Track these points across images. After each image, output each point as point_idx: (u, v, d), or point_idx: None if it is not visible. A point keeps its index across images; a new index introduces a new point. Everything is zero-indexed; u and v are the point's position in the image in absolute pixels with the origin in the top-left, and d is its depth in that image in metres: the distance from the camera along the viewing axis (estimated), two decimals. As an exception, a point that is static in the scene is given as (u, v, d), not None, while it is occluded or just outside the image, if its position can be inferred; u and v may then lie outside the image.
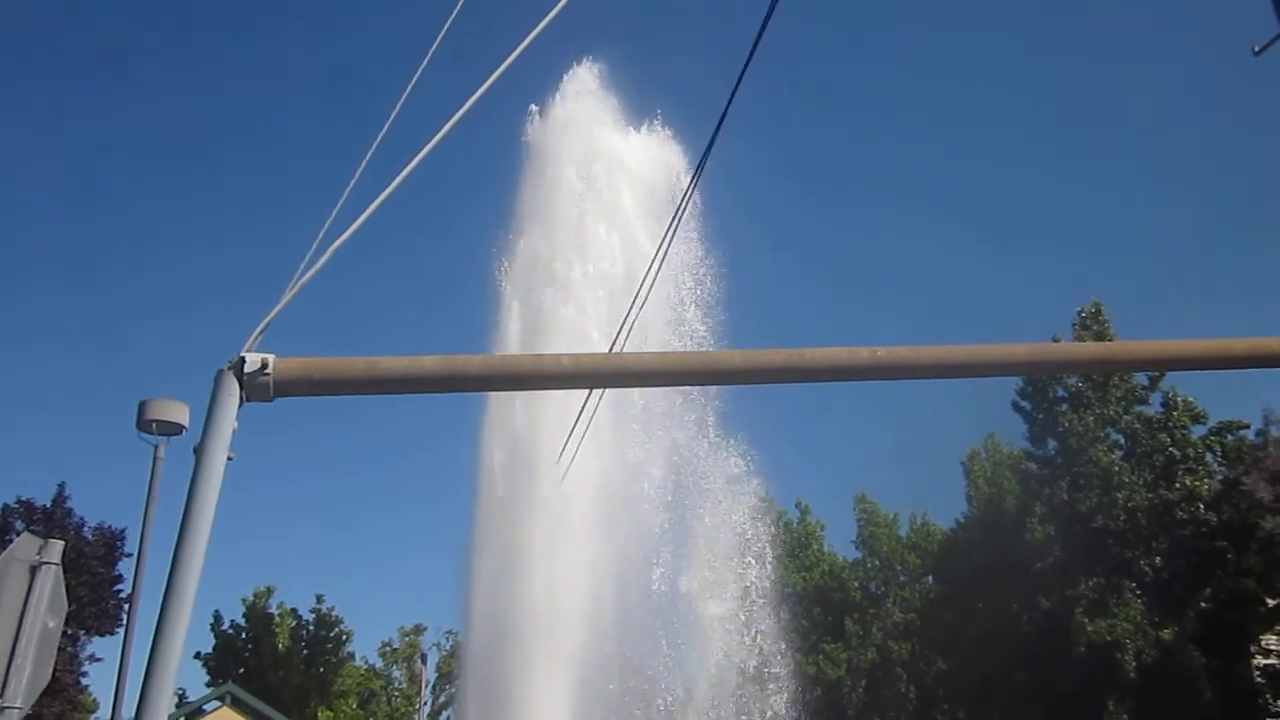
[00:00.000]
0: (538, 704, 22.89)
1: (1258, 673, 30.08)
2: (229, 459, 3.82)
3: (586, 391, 5.85)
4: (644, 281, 6.37)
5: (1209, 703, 29.05)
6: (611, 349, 4.94)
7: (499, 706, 23.33)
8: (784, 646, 30.16)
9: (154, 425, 19.68)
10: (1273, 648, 29.83)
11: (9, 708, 5.62)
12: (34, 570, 5.93)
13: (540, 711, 22.69)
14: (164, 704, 3.80)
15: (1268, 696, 29.62)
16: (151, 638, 3.84)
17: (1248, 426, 32.76)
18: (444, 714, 72.78)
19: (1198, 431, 33.13)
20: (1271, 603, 29.72)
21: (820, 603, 41.62)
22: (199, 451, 3.84)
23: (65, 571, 6.36)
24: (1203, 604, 30.95)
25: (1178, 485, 31.60)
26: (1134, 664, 29.51)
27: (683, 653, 28.74)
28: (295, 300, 4.15)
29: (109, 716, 26.54)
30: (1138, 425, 33.48)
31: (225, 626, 48.03)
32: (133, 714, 4.15)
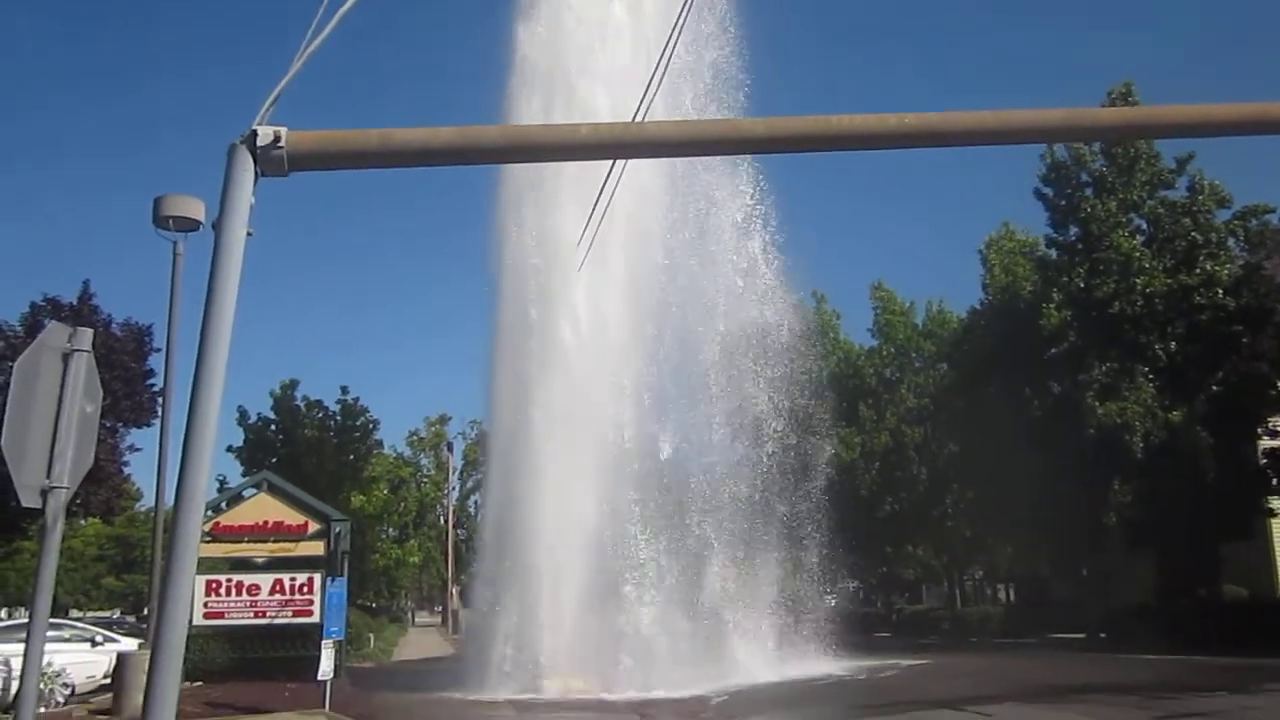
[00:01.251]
0: (561, 488, 23.73)
1: (1262, 455, 30.75)
2: (248, 234, 3.79)
3: (608, 166, 5.73)
4: (666, 48, 6.12)
5: (1212, 482, 29.78)
6: (634, 119, 4.80)
7: (524, 491, 24.21)
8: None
9: (170, 221, 19.66)
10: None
11: (56, 488, 5.82)
12: (66, 357, 6.02)
13: (563, 491, 23.53)
14: (202, 481, 3.92)
15: (1271, 477, 30.37)
16: (186, 419, 3.93)
17: (1273, 210, 32.20)
18: (472, 498, 75.88)
19: (1222, 216, 32.63)
20: (1283, 385, 30.05)
21: (835, 389, 42.36)
22: (218, 227, 3.82)
23: (98, 365, 6.45)
24: (1214, 387, 31.30)
25: (1198, 270, 31.40)
26: (1142, 445, 30.14)
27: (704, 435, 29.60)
28: (306, 73, 4.01)
29: (153, 501, 27.71)
30: (1161, 210, 32.96)
31: (253, 420, 49.37)
32: (172, 498, 4.29)
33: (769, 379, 29.09)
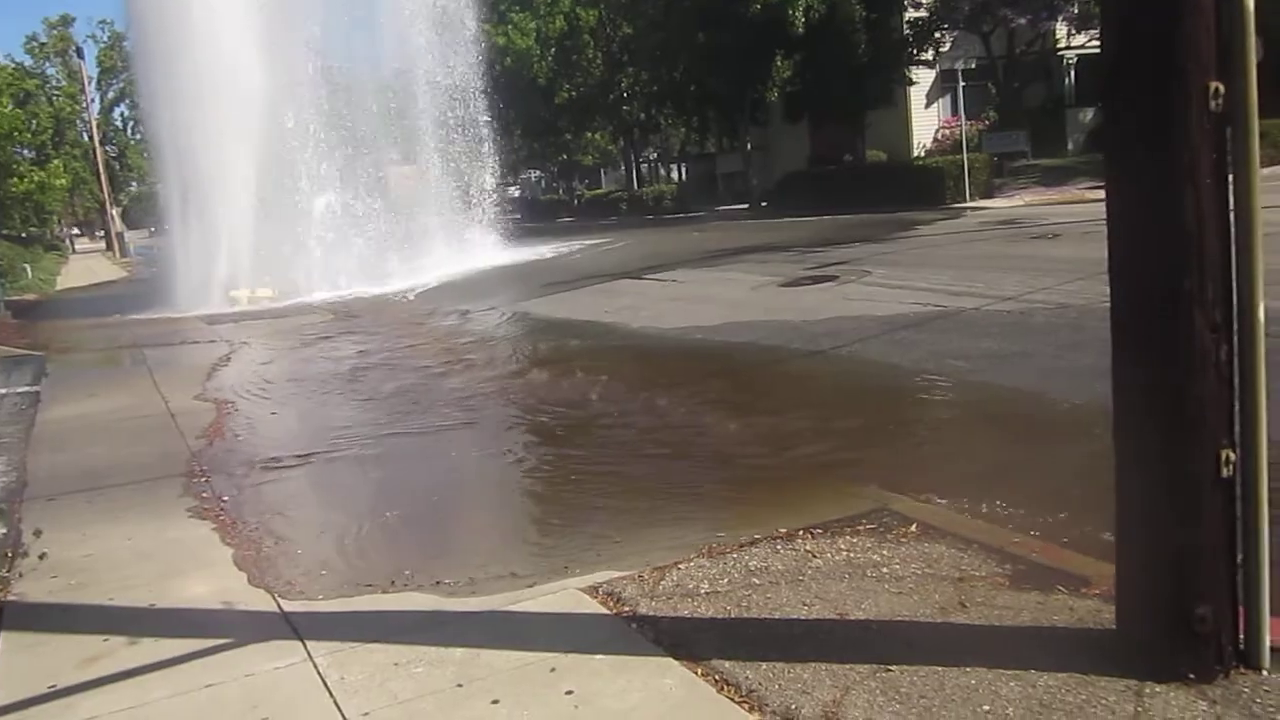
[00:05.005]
0: (232, 103, 21.91)
1: (906, 25, 32.86)
2: None
3: None
4: None
5: (862, 54, 32.04)
6: None
7: (187, 104, 22.09)
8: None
9: None
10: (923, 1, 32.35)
11: None
12: None
13: (234, 106, 21.83)
14: None
15: (911, 48, 32.82)
16: None
17: None
18: (117, 109, 68.61)
19: None
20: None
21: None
22: None
23: None
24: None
25: None
26: (803, 20, 31.44)
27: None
28: None
29: None
30: None
31: None
32: None
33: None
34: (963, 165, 27.25)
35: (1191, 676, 3.19)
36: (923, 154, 34.92)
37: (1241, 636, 3.24)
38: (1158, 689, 3.17)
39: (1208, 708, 3.06)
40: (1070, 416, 6.79)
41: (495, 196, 31.99)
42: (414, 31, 28.33)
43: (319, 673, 3.83)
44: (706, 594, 4.23)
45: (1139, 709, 3.08)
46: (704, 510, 5.70)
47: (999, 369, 8.42)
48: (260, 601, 4.64)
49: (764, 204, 36.70)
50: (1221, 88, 2.95)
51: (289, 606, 4.54)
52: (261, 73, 22.17)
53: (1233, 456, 3.12)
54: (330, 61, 26.21)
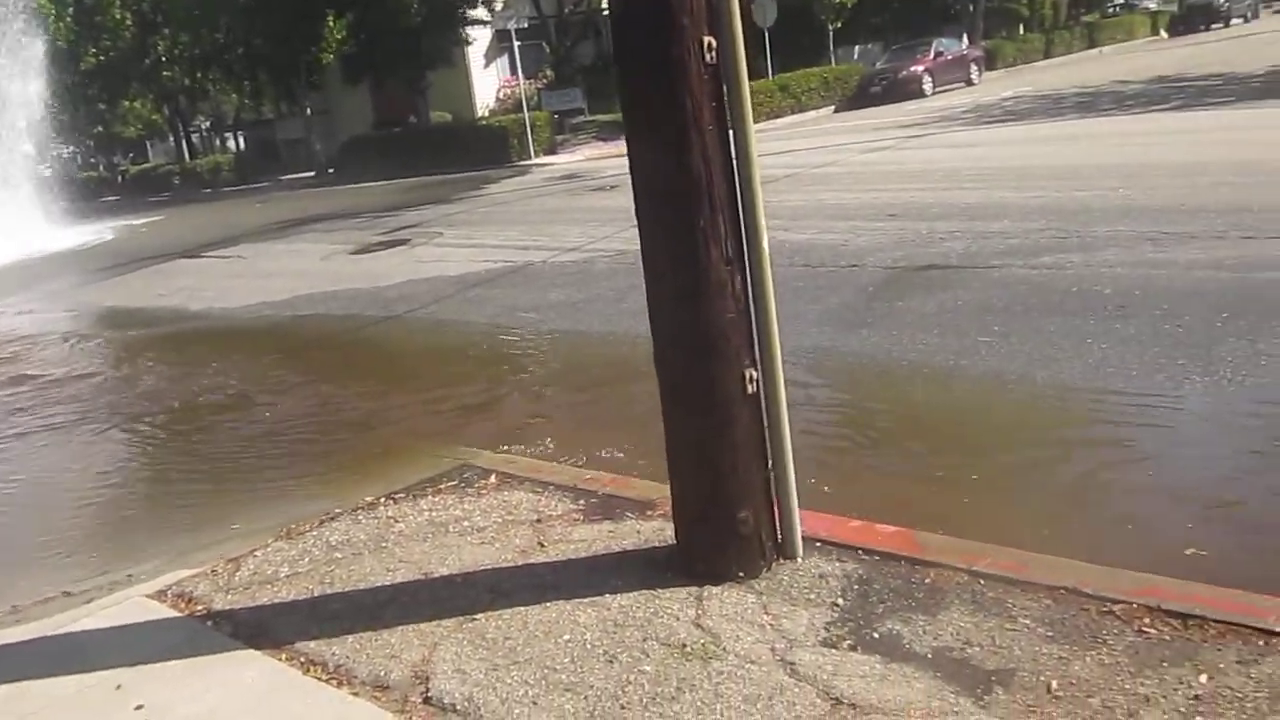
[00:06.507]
0: None
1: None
2: None
3: None
4: None
5: (416, 11, 31.81)
6: None
7: None
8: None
9: None
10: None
11: None
12: None
13: None
14: None
15: (463, 7, 33.01)
16: None
17: None
18: None
19: None
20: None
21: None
22: None
23: None
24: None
25: None
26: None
27: None
28: None
29: None
30: None
31: None
32: None
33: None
34: (525, 123, 27.97)
35: (741, 574, 3.55)
36: (487, 113, 35.39)
37: (779, 533, 3.65)
38: (715, 590, 3.49)
39: (755, 599, 3.42)
40: (635, 353, 7.23)
41: (27, 177, 28.26)
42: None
43: None
44: (287, 577, 4.07)
45: (700, 611, 3.38)
46: (282, 492, 5.48)
47: (568, 316, 8.79)
48: None
49: (330, 170, 35.51)
50: (714, 41, 3.24)
51: None
52: None
53: (755, 375, 3.48)
54: None
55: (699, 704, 2.87)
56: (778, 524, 3.64)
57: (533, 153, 27.74)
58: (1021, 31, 43.83)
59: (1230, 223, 8.41)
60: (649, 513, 4.20)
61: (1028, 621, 3.10)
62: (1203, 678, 2.73)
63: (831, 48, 36.03)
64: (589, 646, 3.24)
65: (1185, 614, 3.02)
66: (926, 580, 3.42)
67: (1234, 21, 49.25)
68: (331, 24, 31.93)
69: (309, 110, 37.46)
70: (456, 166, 27.08)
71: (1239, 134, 13.98)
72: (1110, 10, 53.39)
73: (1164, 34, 49.80)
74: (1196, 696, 2.65)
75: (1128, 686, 2.73)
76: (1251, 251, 7.50)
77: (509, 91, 34.86)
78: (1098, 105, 20.67)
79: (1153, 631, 2.97)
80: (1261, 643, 2.85)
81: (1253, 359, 5.48)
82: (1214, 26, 48.27)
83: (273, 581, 4.05)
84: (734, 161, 3.35)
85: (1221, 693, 2.65)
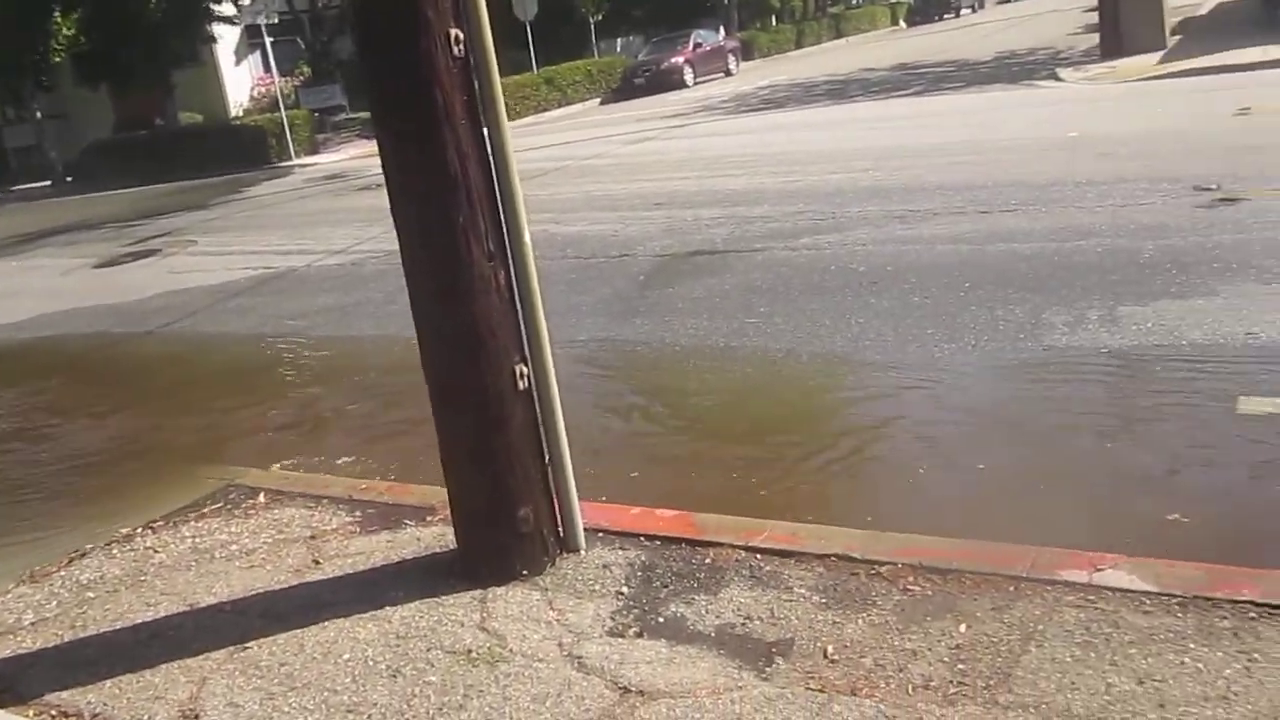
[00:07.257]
0: None
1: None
2: None
3: None
4: None
5: (155, 7, 29.83)
6: None
7: None
8: None
9: None
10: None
11: None
12: None
13: None
14: None
15: (207, 1, 31.28)
16: None
17: None
18: None
19: None
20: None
21: None
22: None
23: None
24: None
25: None
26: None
27: None
28: None
29: None
30: None
31: None
32: None
33: None
34: (283, 123, 26.81)
35: (525, 573, 3.52)
36: (241, 113, 33.71)
37: (560, 527, 3.64)
38: (499, 591, 3.44)
39: (540, 596, 3.39)
40: (409, 355, 6.97)
41: None
42: None
43: None
44: (32, 624, 3.73)
45: (484, 614, 3.32)
46: (24, 534, 5.01)
47: (338, 322, 8.49)
48: None
49: (69, 179, 32.86)
50: (461, 34, 3.17)
51: None
52: None
53: (526, 370, 3.44)
54: None
55: (487, 709, 2.82)
56: (559, 518, 3.62)
57: (293, 153, 26.62)
58: (774, 23, 45.69)
59: (967, 199, 9.04)
60: (429, 518, 4.10)
61: (803, 591, 3.21)
62: (962, 627, 2.90)
63: (594, 40, 36.40)
64: (370, 663, 3.13)
65: (945, 569, 3.21)
66: (707, 560, 3.49)
67: (964, 12, 53.38)
68: (60, 21, 29.54)
69: (39, 114, 34.51)
70: (211, 170, 25.64)
71: (971, 116, 15.08)
72: (854, 2, 56.53)
73: (903, 24, 53.37)
74: (958, 645, 2.82)
75: (896, 643, 2.87)
76: (985, 226, 8.08)
77: (264, 89, 33.33)
78: (847, 92, 21.79)
79: (916, 589, 3.14)
80: (1012, 589, 3.06)
81: (991, 325, 5.90)
82: (946, 17, 52.09)
83: (15, 632, 3.69)
84: (490, 156, 3.30)
85: (979, 639, 2.83)
